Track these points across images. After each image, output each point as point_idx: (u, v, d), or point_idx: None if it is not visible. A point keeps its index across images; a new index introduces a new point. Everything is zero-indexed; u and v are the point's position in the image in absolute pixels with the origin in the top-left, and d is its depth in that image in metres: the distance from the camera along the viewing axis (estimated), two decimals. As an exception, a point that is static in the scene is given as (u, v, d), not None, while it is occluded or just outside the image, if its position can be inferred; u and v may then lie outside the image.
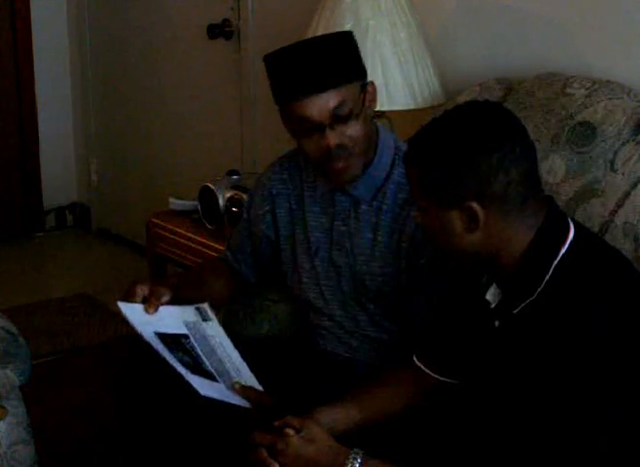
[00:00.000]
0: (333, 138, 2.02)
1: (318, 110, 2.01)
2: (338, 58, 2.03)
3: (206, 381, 2.02)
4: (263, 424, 1.83)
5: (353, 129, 2.03)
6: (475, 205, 1.64)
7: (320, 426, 1.80)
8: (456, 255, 1.74)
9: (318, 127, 2.02)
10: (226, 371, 2.02)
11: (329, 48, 2.05)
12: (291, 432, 1.77)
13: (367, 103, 2.07)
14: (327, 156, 2.05)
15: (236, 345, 2.07)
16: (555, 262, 1.66)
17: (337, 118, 2.01)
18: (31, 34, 4.75)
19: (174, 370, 2.01)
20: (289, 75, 2.03)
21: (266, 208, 2.28)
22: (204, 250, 3.10)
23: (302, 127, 2.04)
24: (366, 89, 2.07)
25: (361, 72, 2.09)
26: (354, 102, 2.03)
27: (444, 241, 1.72)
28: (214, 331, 2.03)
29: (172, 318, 2.03)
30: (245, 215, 2.36)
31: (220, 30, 3.86)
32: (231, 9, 3.83)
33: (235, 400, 2.00)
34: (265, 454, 1.76)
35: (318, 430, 1.79)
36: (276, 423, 1.80)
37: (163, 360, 2.01)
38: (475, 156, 1.63)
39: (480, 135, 1.65)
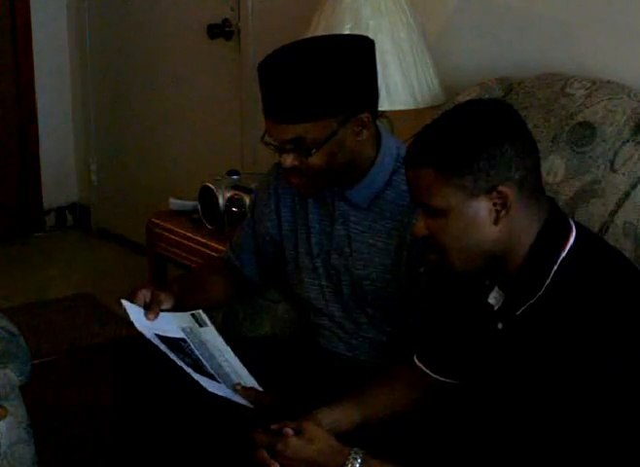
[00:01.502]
0: (285, 160, 2.03)
1: (276, 135, 2.02)
2: (312, 94, 1.96)
3: (210, 381, 2.02)
4: (265, 424, 1.83)
5: (309, 161, 2.02)
6: (506, 189, 1.63)
7: (320, 426, 1.80)
8: (470, 259, 1.70)
9: (278, 146, 2.04)
10: (226, 374, 2.02)
11: (312, 77, 1.97)
12: (290, 432, 1.77)
13: (347, 136, 2.02)
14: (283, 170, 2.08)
15: (237, 345, 2.08)
16: (557, 263, 1.65)
17: (294, 147, 2.01)
18: (31, 34, 4.75)
19: (176, 369, 2.01)
20: (263, 92, 2.03)
21: (272, 207, 2.28)
22: (204, 250, 3.10)
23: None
24: (347, 124, 2.01)
25: (346, 106, 2.00)
26: (316, 138, 1.99)
27: (462, 243, 1.68)
28: (211, 336, 2.04)
29: (170, 324, 2.04)
30: (249, 214, 2.36)
31: (220, 30, 3.86)
32: (231, 9, 3.83)
33: (239, 399, 2.00)
34: (265, 455, 1.76)
35: (318, 430, 1.79)
36: (273, 427, 1.80)
37: (163, 360, 2.01)
38: (502, 139, 1.64)
39: (500, 121, 1.67)
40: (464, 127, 1.66)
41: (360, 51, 2.05)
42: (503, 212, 1.65)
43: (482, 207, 1.65)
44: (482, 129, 1.65)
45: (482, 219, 1.66)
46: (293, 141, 2.00)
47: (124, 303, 2.04)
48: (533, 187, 1.68)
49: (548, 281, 1.65)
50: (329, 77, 1.98)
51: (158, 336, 2.01)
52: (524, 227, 1.67)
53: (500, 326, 1.73)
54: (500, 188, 1.63)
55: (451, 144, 1.65)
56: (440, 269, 1.90)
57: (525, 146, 1.67)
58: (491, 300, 1.75)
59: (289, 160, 2.03)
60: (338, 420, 1.86)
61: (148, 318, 2.04)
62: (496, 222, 1.66)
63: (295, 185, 2.11)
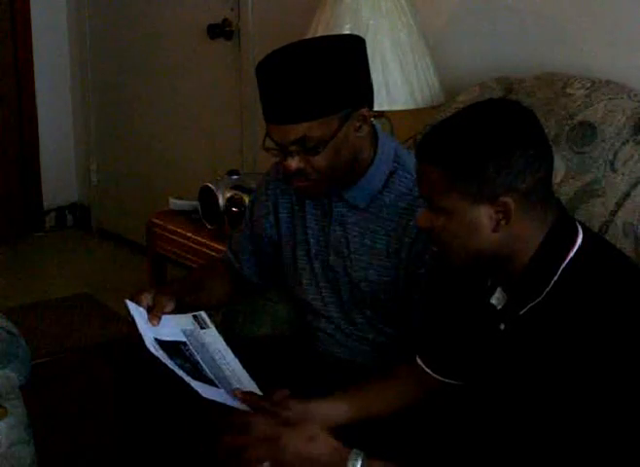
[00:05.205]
0: (290, 163, 2.01)
1: (279, 137, 2.00)
2: (314, 92, 1.95)
3: (207, 386, 2.01)
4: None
5: (315, 161, 2.00)
6: (509, 200, 1.62)
7: (320, 426, 1.80)
8: (469, 259, 1.70)
9: (281, 149, 2.02)
10: (225, 377, 2.01)
11: (313, 75, 1.95)
12: (286, 395, 1.82)
13: (349, 132, 2.01)
14: (287, 174, 2.05)
15: (236, 345, 2.07)
16: (564, 264, 1.65)
17: (299, 148, 1.99)
18: (31, 34, 4.75)
19: (175, 375, 2.01)
20: (263, 95, 2.01)
21: (270, 208, 2.28)
22: (204, 250, 3.10)
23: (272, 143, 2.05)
24: (349, 120, 2.00)
25: (347, 102, 1.99)
26: (321, 136, 1.97)
27: (462, 244, 1.68)
28: (212, 338, 2.03)
29: (171, 326, 2.03)
30: (248, 215, 2.36)
31: (220, 30, 3.87)
32: (231, 9, 3.83)
33: (237, 404, 1.99)
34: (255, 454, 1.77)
35: (318, 430, 1.79)
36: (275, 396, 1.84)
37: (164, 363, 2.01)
38: (513, 149, 1.61)
39: (515, 129, 1.63)
40: (477, 131, 1.64)
41: (353, 48, 2.05)
42: (503, 221, 1.64)
43: (483, 214, 1.64)
44: (495, 136, 1.62)
45: (482, 225, 1.65)
46: (298, 142, 1.98)
47: (129, 304, 2.03)
48: (542, 196, 1.65)
49: (551, 283, 1.64)
50: (328, 73, 1.97)
51: (157, 340, 2.01)
52: (528, 233, 1.66)
53: (502, 327, 1.72)
54: (503, 198, 1.62)
55: (461, 147, 1.63)
56: (439, 262, 1.90)
57: (538, 156, 1.63)
58: (494, 301, 1.75)
59: (294, 163, 2.01)
60: (330, 413, 1.86)
61: (152, 324, 2.03)
62: (495, 230, 1.65)
63: (300, 188, 2.09)
